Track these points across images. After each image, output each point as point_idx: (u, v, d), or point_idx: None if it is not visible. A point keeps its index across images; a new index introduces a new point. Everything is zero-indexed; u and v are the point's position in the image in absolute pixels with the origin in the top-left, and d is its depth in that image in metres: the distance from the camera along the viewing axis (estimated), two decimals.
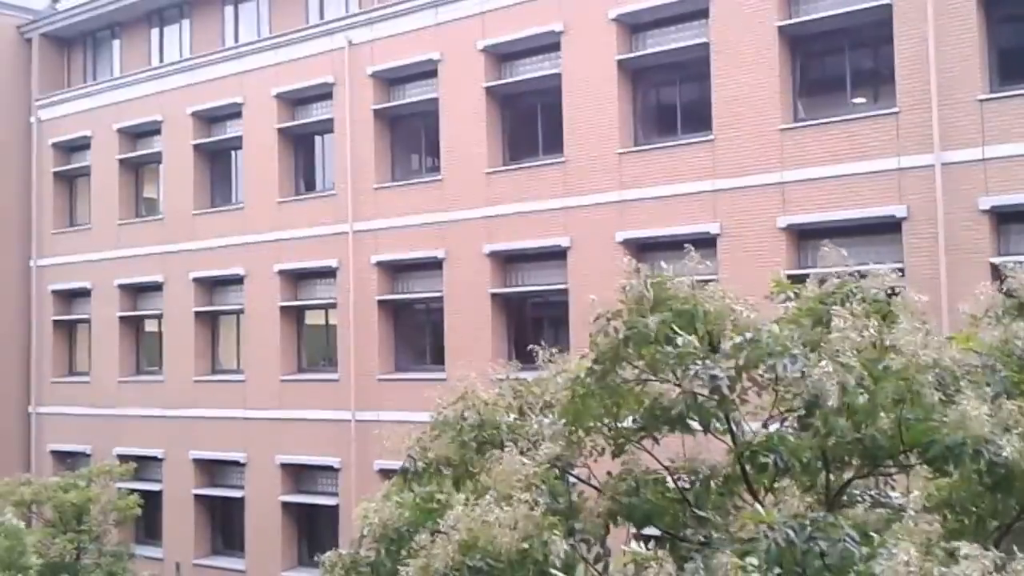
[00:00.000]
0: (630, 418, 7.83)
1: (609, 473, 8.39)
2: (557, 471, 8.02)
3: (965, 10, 18.97)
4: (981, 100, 18.80)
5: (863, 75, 21.36)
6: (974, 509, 8.02)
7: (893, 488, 8.46)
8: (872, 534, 6.65)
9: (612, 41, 23.07)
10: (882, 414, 7.01)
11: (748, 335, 6.89)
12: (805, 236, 20.48)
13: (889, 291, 7.65)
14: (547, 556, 6.93)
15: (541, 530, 6.99)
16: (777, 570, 6.15)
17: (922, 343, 6.89)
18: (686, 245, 8.06)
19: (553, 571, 6.84)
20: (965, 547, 6.05)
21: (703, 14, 22.09)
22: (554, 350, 8.11)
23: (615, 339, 6.98)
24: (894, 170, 19.55)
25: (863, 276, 7.65)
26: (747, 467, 7.52)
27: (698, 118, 22.34)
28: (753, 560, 6.10)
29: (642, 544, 6.70)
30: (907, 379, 6.84)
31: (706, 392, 7.04)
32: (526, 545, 6.94)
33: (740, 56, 21.35)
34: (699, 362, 6.85)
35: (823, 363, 6.63)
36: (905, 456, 7.39)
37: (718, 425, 7.40)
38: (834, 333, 6.88)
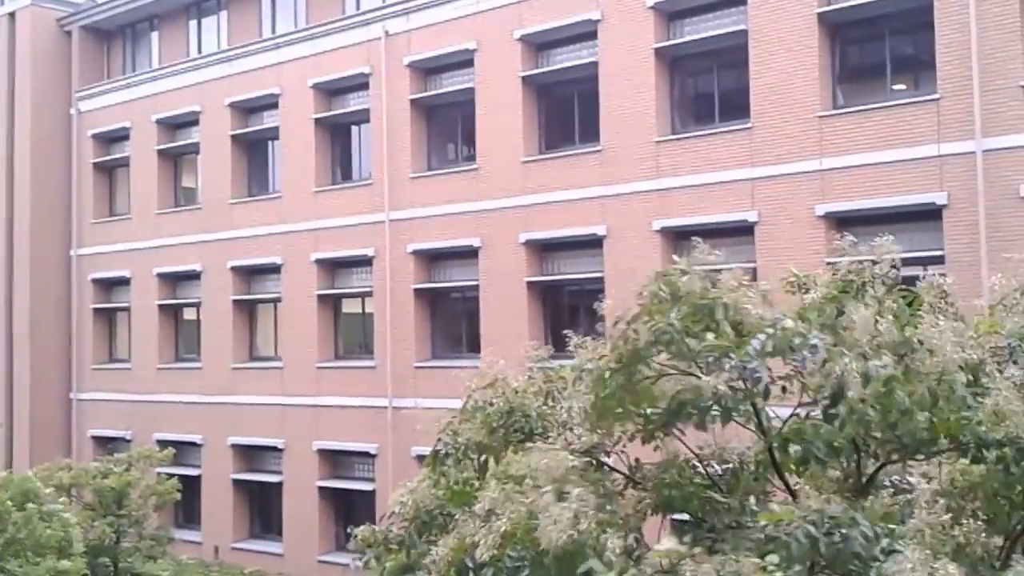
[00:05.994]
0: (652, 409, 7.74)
1: (637, 459, 8.33)
2: (594, 462, 7.96)
3: None
4: (1023, 86, 18.55)
5: (903, 61, 21.13)
6: (1001, 500, 7.84)
7: (911, 474, 8.33)
8: (892, 526, 6.56)
9: (650, 29, 22.97)
10: (917, 411, 6.90)
11: (768, 331, 6.75)
12: (844, 224, 20.20)
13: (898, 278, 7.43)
14: (597, 551, 6.80)
15: (601, 526, 6.88)
16: (797, 567, 6.07)
17: (955, 339, 6.75)
18: (677, 245, 7.93)
19: (597, 566, 6.72)
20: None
21: (741, 1, 21.92)
22: (587, 338, 8.03)
23: (636, 341, 6.90)
24: (935, 157, 19.35)
25: (875, 263, 7.39)
26: (777, 456, 7.42)
27: (736, 106, 22.19)
28: (774, 558, 6.03)
29: (674, 538, 6.63)
30: (942, 378, 6.72)
31: (741, 385, 6.90)
32: (575, 540, 6.81)
33: (779, 43, 21.18)
34: (732, 355, 6.72)
35: (844, 359, 6.48)
36: (936, 447, 7.29)
37: (740, 418, 7.27)
38: (854, 325, 6.72)
